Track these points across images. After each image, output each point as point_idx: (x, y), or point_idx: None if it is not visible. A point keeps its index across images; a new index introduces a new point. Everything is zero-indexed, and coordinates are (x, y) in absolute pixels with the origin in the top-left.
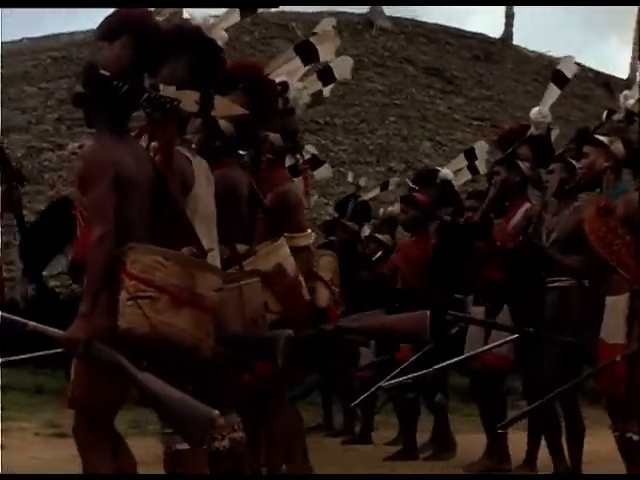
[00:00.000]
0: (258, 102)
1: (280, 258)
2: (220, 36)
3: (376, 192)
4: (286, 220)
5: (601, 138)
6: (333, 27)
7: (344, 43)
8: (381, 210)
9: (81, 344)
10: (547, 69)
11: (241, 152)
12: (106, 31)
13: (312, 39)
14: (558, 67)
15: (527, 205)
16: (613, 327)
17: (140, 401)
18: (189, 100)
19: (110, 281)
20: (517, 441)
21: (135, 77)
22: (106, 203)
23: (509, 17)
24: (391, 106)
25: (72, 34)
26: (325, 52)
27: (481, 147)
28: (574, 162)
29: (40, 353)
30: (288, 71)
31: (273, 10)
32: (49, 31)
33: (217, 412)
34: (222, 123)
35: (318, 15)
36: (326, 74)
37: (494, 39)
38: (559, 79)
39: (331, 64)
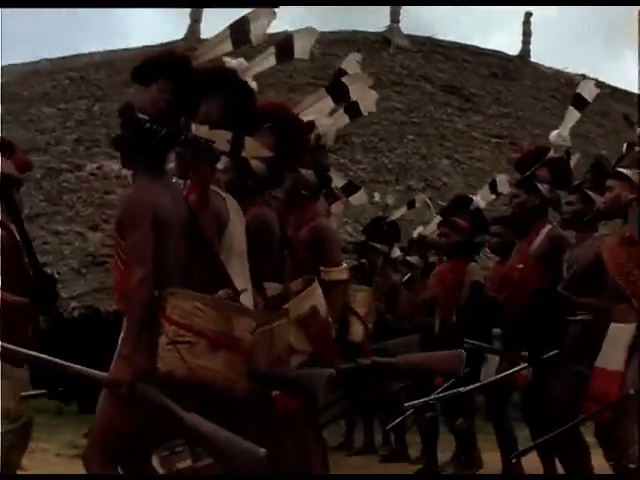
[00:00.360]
0: (286, 141)
1: (314, 300)
2: (252, 81)
3: (403, 211)
4: (321, 254)
5: (624, 171)
6: (357, 62)
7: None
8: (415, 232)
9: (125, 386)
10: (565, 86)
11: (271, 191)
12: (143, 74)
13: (345, 79)
14: (578, 90)
15: (548, 227)
16: (613, 354)
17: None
18: (222, 140)
19: (150, 324)
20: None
21: (172, 120)
22: (145, 246)
23: (526, 34)
24: (409, 124)
25: (90, 55)
26: (355, 91)
27: (502, 180)
28: (591, 193)
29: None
30: (317, 110)
31: (291, 30)
32: (67, 52)
33: (264, 450)
34: (254, 162)
35: (337, 34)
36: (353, 109)
37: (512, 56)
38: (579, 102)
39: (357, 98)
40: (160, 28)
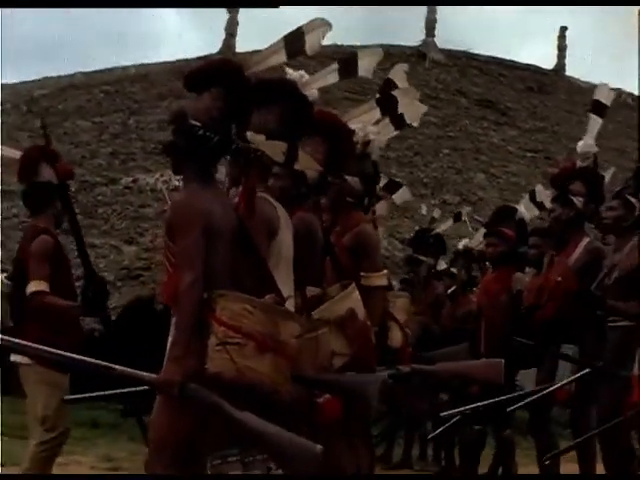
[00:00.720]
0: (335, 149)
1: (352, 303)
2: (312, 93)
3: (449, 224)
4: (363, 260)
5: None
6: (405, 72)
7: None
8: (461, 244)
9: (176, 386)
10: None
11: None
12: (196, 82)
13: (395, 93)
14: (595, 97)
15: (586, 240)
16: None
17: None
18: (277, 150)
19: (199, 326)
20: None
21: (224, 128)
22: (195, 250)
23: (561, 48)
24: (445, 138)
25: (125, 68)
26: (404, 104)
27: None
28: (632, 199)
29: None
30: (364, 120)
31: (325, 44)
32: (102, 65)
33: (320, 446)
34: (308, 171)
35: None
36: (399, 120)
37: (547, 70)
38: (598, 108)
39: (404, 110)
40: (194, 42)
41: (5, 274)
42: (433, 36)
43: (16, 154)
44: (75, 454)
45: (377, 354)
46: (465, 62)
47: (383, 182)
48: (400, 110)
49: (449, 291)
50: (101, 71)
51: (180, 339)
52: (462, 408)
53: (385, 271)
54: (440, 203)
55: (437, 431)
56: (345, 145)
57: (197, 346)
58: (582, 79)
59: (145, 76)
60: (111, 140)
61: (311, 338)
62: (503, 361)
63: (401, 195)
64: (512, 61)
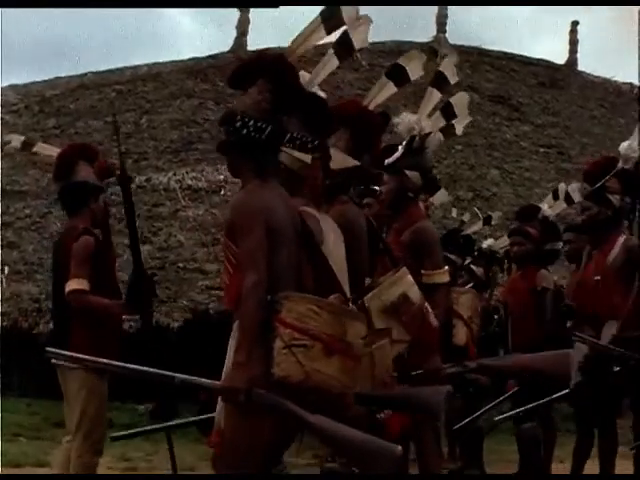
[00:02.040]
0: (363, 136)
1: (403, 287)
2: (319, 90)
3: (479, 226)
4: (424, 257)
5: None
6: (455, 65)
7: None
8: (485, 243)
9: (242, 393)
10: (612, 95)
11: (375, 188)
12: (240, 78)
13: (401, 61)
14: None
15: (623, 237)
16: None
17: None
18: (307, 156)
19: (263, 329)
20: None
21: (275, 118)
22: (259, 251)
23: (573, 43)
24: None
25: (136, 67)
26: (449, 74)
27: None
28: None
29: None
30: (385, 97)
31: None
32: (113, 65)
33: (400, 448)
34: (332, 163)
35: (383, 45)
36: (448, 111)
37: (559, 65)
38: None
39: (451, 100)
40: (206, 41)
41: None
42: (444, 32)
43: (53, 153)
44: None
45: (442, 352)
46: (477, 58)
47: None
48: (451, 101)
49: (467, 287)
50: (112, 71)
51: (244, 344)
52: (489, 405)
53: (446, 268)
54: (454, 199)
55: (462, 423)
56: (371, 131)
57: (261, 350)
58: (594, 74)
59: (157, 75)
60: (123, 140)
61: (365, 354)
62: (571, 352)
63: (439, 196)
64: (524, 56)
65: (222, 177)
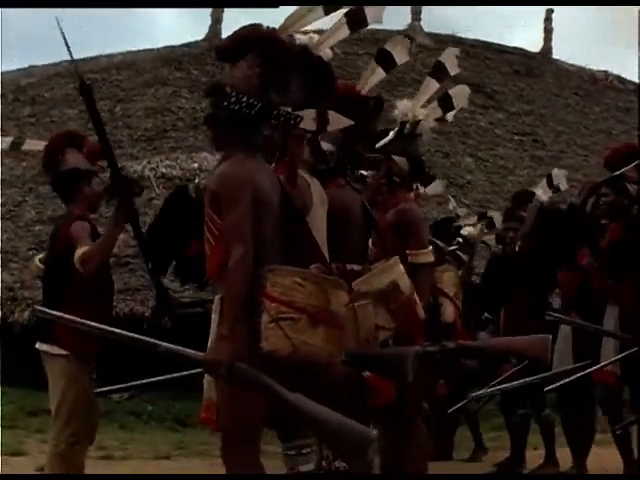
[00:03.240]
0: (356, 120)
1: (394, 276)
2: (326, 53)
3: (473, 220)
4: (409, 237)
5: None
6: (456, 56)
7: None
8: (465, 231)
9: (223, 367)
10: (587, 83)
11: (362, 172)
12: (230, 51)
13: (388, 46)
14: None
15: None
16: None
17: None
18: (307, 119)
19: (249, 303)
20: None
21: (264, 94)
22: (244, 224)
23: (548, 31)
24: None
25: (110, 56)
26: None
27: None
28: None
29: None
30: (375, 82)
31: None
32: (88, 53)
33: (375, 432)
34: (323, 144)
35: (357, 33)
36: (447, 102)
37: (534, 53)
38: None
39: (450, 92)
40: (180, 29)
41: (39, 257)
42: (419, 20)
43: (41, 145)
44: None
45: (431, 330)
46: (451, 46)
47: None
48: (450, 92)
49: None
50: (87, 59)
51: (229, 317)
52: (491, 389)
53: (430, 248)
54: None
55: (456, 406)
56: (363, 116)
57: (246, 324)
58: (569, 62)
59: (131, 64)
60: None
61: (349, 309)
62: (550, 337)
63: (434, 187)
64: (499, 44)
65: (196, 165)
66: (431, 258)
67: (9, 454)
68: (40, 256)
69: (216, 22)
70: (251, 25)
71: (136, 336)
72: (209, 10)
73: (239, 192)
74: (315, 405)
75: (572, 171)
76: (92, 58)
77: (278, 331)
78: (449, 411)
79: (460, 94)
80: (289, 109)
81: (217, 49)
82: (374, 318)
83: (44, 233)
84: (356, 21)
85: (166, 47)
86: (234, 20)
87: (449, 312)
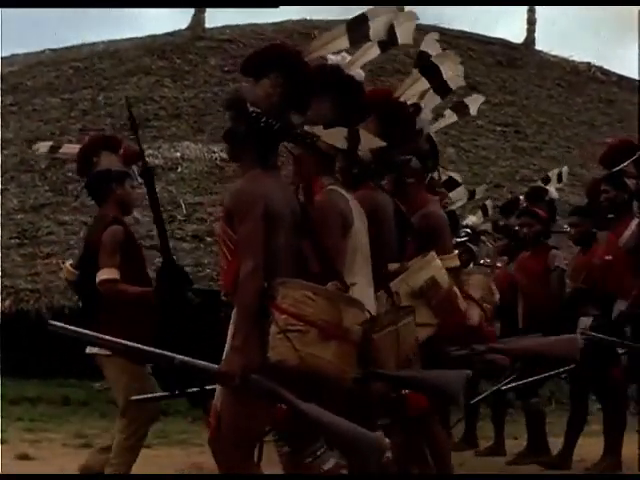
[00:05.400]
0: (393, 127)
1: (432, 272)
2: (358, 73)
3: (463, 201)
4: (433, 242)
5: None
6: (436, 40)
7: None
8: (469, 221)
9: (237, 378)
10: (570, 74)
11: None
12: (254, 67)
13: (435, 60)
14: None
15: (637, 220)
16: None
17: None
18: (339, 138)
19: (260, 314)
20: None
21: (284, 114)
22: (256, 237)
23: (531, 22)
24: None
25: (93, 45)
26: (445, 69)
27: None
28: None
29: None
30: (417, 92)
31: (295, 19)
32: (71, 42)
33: (388, 440)
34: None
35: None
36: (443, 88)
37: (517, 44)
38: None
39: (466, 100)
40: (164, 17)
41: (70, 262)
42: (402, 10)
43: (76, 149)
44: (47, 431)
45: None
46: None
47: (444, 179)
48: (445, 76)
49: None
50: (70, 48)
51: (241, 329)
52: (501, 384)
53: (456, 252)
54: None
55: (477, 398)
56: (401, 122)
57: (258, 336)
58: (552, 53)
59: (114, 53)
60: (81, 117)
61: (392, 331)
62: (579, 336)
63: (458, 193)
64: (482, 35)
65: (178, 154)
66: (457, 262)
67: None
68: (71, 261)
69: (199, 12)
70: (278, 44)
71: (150, 349)
72: None
73: (251, 207)
74: (329, 414)
75: (554, 162)
76: (75, 47)
77: (285, 342)
78: (472, 402)
79: (474, 103)
80: (313, 128)
81: (243, 62)
82: (415, 333)
83: (26, 222)
84: (387, 43)
85: (149, 36)
86: (217, 10)
87: (474, 315)
